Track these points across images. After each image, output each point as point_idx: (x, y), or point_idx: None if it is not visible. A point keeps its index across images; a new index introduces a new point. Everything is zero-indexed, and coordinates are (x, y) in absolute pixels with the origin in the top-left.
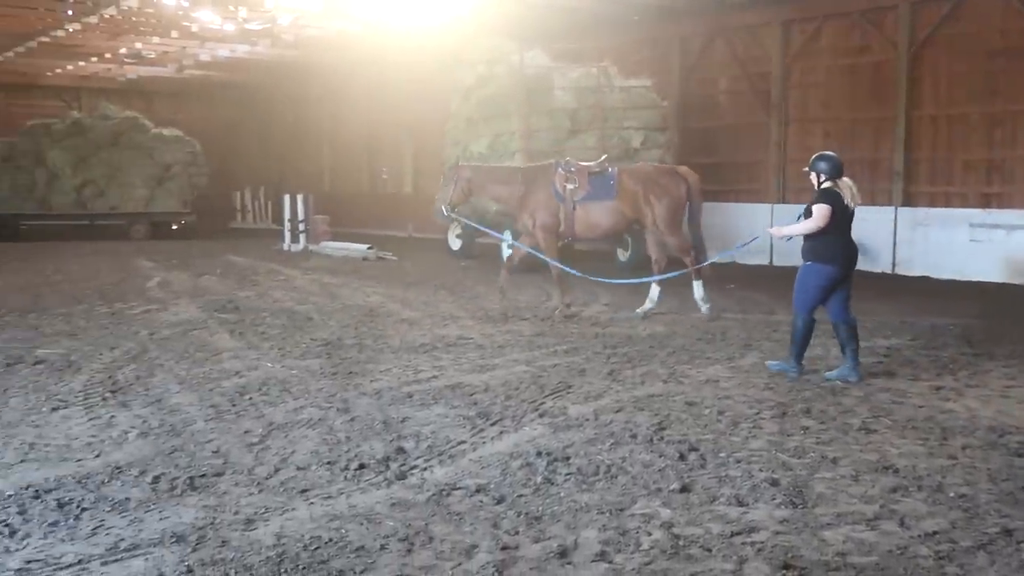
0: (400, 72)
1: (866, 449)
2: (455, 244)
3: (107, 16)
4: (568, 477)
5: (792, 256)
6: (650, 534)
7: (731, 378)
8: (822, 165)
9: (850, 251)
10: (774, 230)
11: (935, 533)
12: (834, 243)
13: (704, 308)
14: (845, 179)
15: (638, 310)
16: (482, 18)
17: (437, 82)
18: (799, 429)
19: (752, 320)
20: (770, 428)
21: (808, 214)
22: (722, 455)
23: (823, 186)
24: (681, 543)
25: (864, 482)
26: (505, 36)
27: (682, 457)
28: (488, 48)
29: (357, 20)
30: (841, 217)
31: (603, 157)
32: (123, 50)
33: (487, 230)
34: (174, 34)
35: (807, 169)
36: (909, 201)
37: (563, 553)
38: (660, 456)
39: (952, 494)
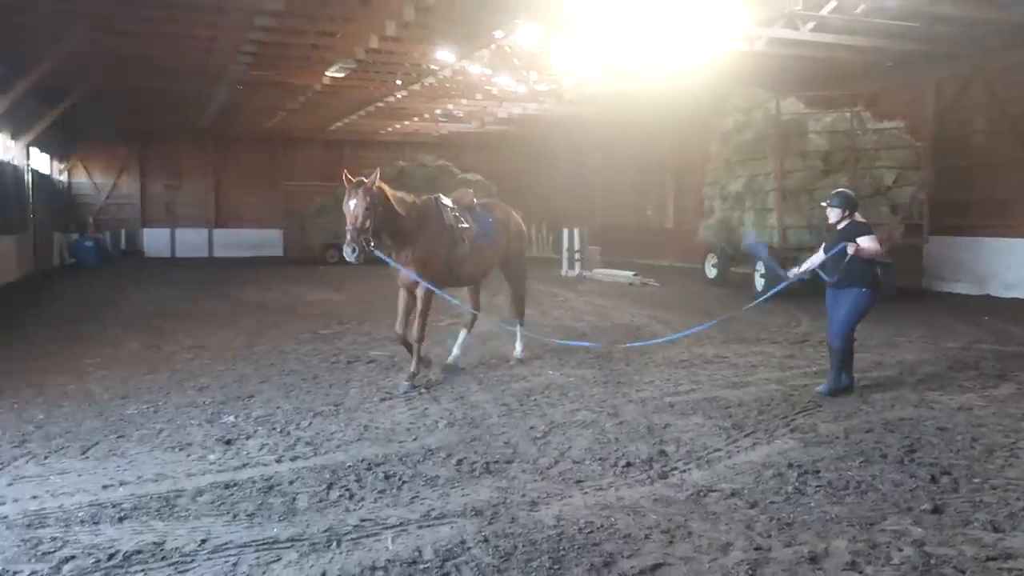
0: (664, 121)
1: None
2: (711, 272)
3: (427, 84)
4: (818, 489)
5: None
6: (901, 550)
7: (985, 407)
8: (842, 202)
9: None
10: (852, 248)
11: None
12: (875, 269)
13: (519, 350)
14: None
15: (448, 360)
16: (740, 71)
17: (696, 129)
18: None
19: (1007, 351)
20: None
21: (836, 246)
22: (976, 480)
23: (849, 220)
24: (933, 562)
25: None
26: (761, 86)
27: (934, 479)
28: (745, 97)
29: (627, 78)
30: None
31: (470, 189)
32: (438, 111)
33: (388, 260)
34: (478, 96)
35: (825, 204)
36: None
37: (814, 559)
38: (911, 477)
39: None
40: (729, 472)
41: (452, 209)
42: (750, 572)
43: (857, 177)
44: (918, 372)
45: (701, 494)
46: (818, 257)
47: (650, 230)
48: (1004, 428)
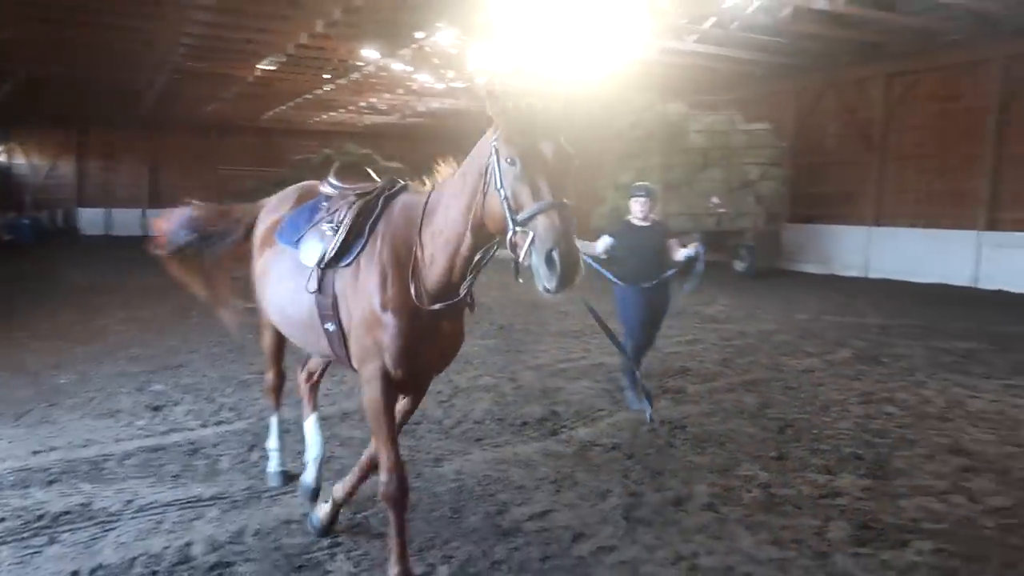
0: (567, 118)
1: (941, 434)
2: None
3: (352, 79)
4: (685, 442)
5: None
6: (750, 492)
7: (825, 370)
8: (652, 194)
9: None
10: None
11: (1001, 509)
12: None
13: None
14: None
15: None
16: (633, 77)
17: (595, 127)
18: (882, 415)
19: (846, 323)
20: (857, 412)
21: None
22: (814, 432)
23: (651, 217)
24: (776, 500)
25: (938, 461)
26: (651, 90)
27: (780, 431)
28: (637, 100)
29: (536, 79)
30: None
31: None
32: (363, 104)
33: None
34: (399, 91)
35: (636, 196)
36: (994, 226)
37: (678, 502)
38: (762, 430)
39: (1019, 476)
40: (611, 429)
41: None
42: (624, 515)
43: (730, 171)
44: (773, 340)
45: (586, 448)
46: (602, 244)
47: None
48: (839, 387)
